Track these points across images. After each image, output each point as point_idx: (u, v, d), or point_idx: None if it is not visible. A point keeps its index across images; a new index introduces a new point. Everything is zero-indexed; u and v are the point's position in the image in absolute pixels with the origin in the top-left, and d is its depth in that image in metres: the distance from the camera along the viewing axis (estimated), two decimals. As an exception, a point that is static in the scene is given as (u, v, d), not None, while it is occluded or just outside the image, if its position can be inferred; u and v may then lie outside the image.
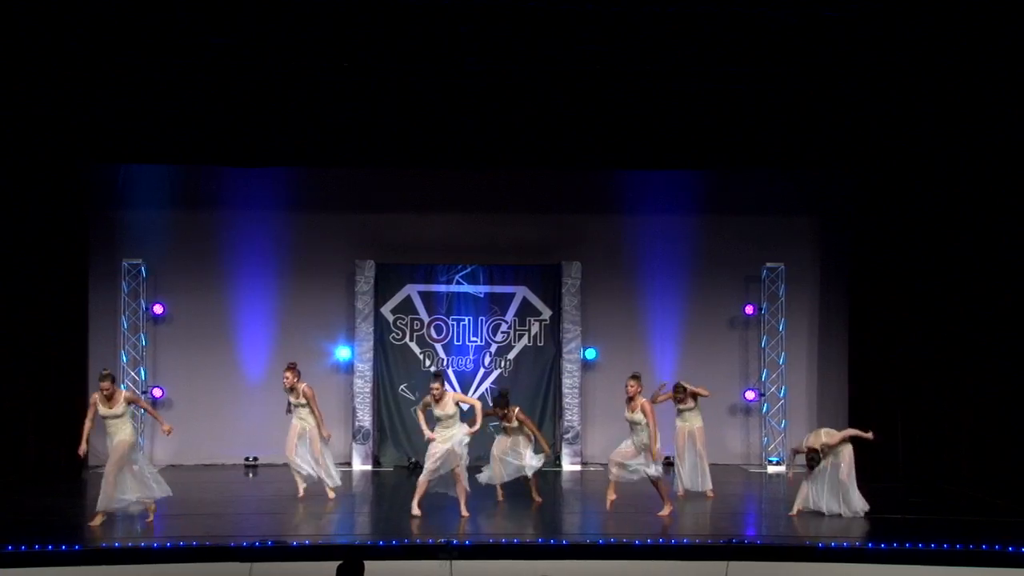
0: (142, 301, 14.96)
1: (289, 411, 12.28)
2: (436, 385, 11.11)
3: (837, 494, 11.24)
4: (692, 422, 12.68)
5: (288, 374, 12.23)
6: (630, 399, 10.96)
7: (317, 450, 12.12)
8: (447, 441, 11.01)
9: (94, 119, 13.20)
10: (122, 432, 10.41)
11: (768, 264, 15.28)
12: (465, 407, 11.54)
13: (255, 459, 15.03)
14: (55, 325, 13.74)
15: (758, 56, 12.13)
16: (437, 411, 11.06)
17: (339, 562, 7.16)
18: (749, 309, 15.54)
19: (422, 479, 11.11)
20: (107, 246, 14.98)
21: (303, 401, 12.18)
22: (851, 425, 14.34)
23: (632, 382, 11.00)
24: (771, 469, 14.93)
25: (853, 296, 14.63)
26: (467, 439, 11.12)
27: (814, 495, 11.30)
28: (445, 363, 15.27)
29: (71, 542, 9.54)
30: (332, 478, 12.20)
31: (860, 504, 11.25)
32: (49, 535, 9.73)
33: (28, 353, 13.12)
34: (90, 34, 11.70)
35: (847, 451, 11.31)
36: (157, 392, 15.04)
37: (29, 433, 11.43)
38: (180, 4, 11.13)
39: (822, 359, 15.63)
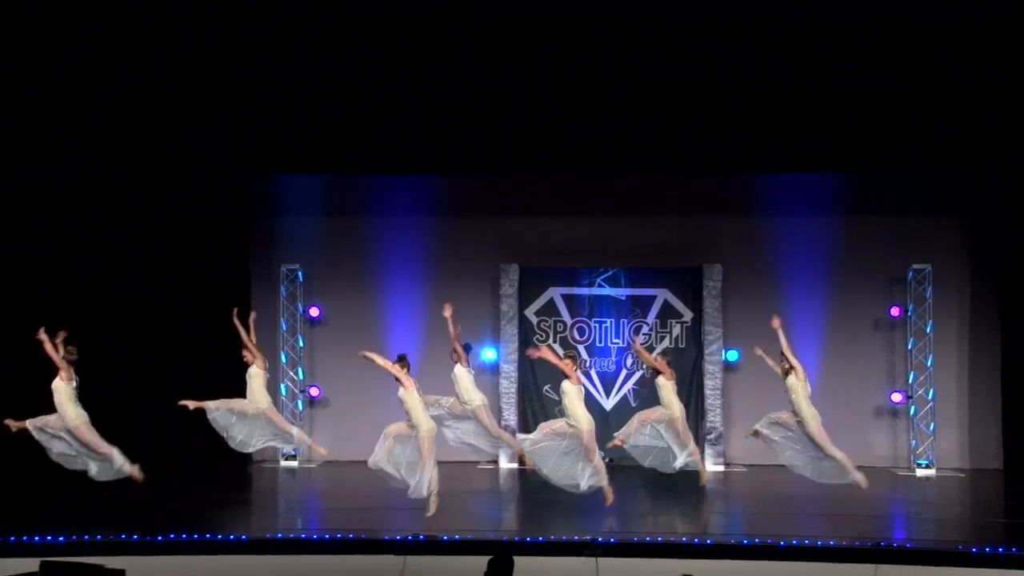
0: (299, 304, 15.65)
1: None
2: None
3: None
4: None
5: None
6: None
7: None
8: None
9: (254, 132, 13.87)
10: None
11: (915, 265, 15.01)
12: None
13: (405, 456, 15.50)
14: (220, 328, 14.46)
15: (900, 55, 11.98)
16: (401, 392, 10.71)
17: (489, 557, 7.43)
18: (895, 311, 15.28)
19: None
20: (267, 252, 15.72)
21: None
22: (1005, 433, 14.09)
23: None
24: (919, 472, 14.68)
25: (1004, 299, 14.25)
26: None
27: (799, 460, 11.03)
28: (588, 364, 15.49)
29: (237, 532, 10.16)
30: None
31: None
32: (216, 525, 10.37)
33: (196, 354, 13.89)
34: (247, 52, 12.36)
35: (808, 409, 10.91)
36: (314, 391, 15.74)
37: (198, 429, 12.18)
38: (333, 20, 11.68)
39: (972, 362, 15.24)
